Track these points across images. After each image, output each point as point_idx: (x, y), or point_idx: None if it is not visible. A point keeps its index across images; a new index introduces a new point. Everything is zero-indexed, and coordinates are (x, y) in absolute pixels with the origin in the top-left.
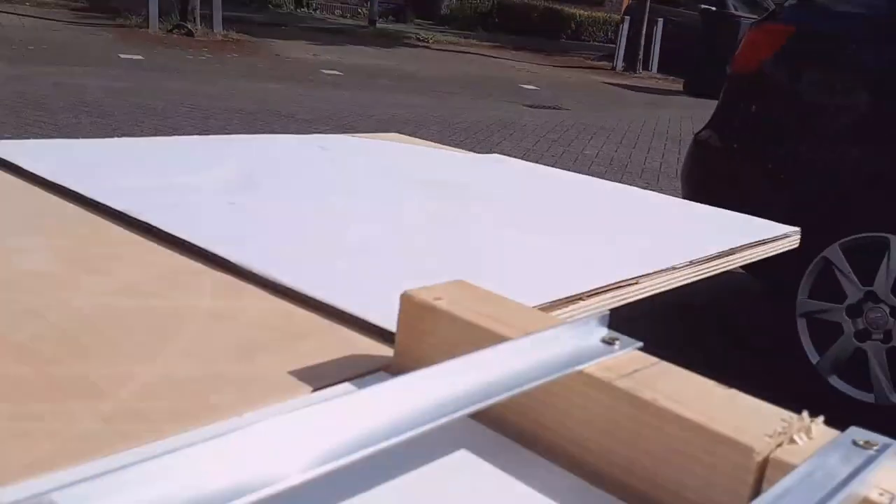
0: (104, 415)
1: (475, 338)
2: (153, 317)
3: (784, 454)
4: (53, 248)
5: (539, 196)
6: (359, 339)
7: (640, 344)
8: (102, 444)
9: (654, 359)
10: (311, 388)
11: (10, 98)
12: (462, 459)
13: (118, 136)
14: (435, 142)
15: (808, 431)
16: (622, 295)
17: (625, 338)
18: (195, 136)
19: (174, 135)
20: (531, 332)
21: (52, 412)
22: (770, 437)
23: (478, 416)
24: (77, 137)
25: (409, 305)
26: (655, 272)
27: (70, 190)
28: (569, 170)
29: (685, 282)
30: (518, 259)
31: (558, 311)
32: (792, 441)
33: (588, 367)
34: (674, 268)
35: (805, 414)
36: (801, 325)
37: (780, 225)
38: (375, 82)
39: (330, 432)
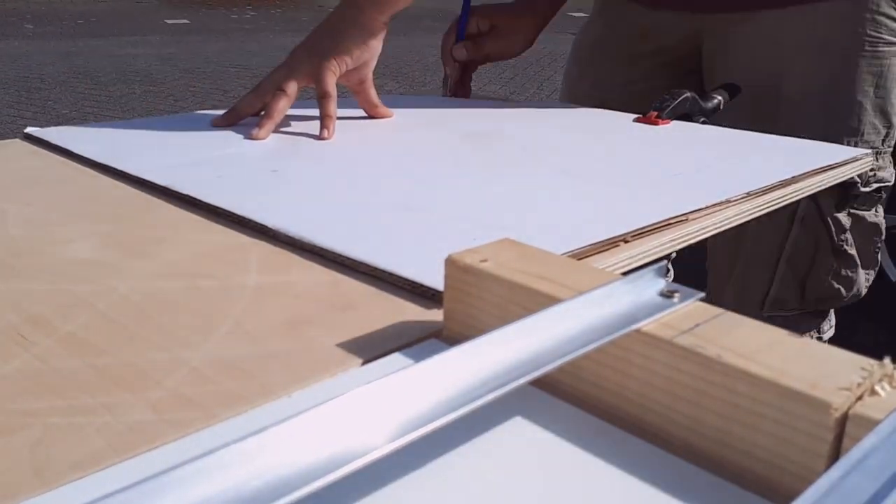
0: (154, 404)
1: (525, 299)
2: (200, 298)
3: (865, 408)
4: (99, 233)
5: (589, 138)
6: (407, 305)
7: (702, 294)
8: (153, 436)
9: (717, 310)
10: (361, 361)
11: (63, 74)
12: (518, 426)
13: (170, 102)
14: (484, 81)
15: (891, 380)
16: (675, 238)
17: (684, 289)
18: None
19: (225, 96)
20: (584, 291)
21: (102, 405)
22: (848, 389)
23: (532, 381)
24: (130, 107)
25: (454, 269)
26: (707, 207)
27: (116, 170)
28: None
29: (745, 218)
30: (564, 207)
31: (602, 258)
32: (874, 392)
33: (646, 324)
34: (728, 201)
35: (887, 360)
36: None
37: (849, 148)
38: (419, 24)
39: (393, 408)
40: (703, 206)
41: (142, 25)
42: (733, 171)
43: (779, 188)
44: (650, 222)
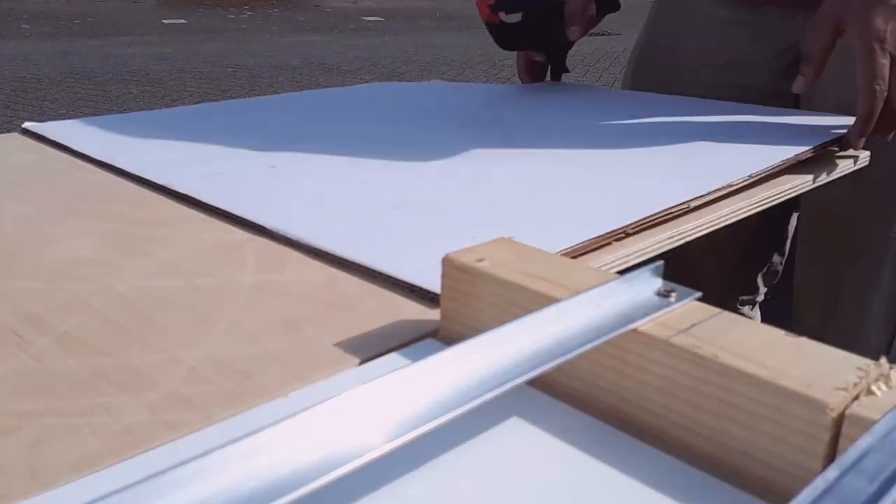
0: (151, 404)
1: (522, 299)
2: (197, 297)
3: (862, 408)
4: (96, 231)
5: (592, 122)
6: (404, 304)
7: (699, 294)
8: (150, 437)
9: (714, 309)
10: (358, 361)
11: (60, 74)
12: (515, 426)
13: (167, 102)
14: (481, 80)
15: (887, 380)
16: (673, 235)
17: (682, 288)
18: (237, 100)
19: (222, 96)
20: (580, 291)
21: (99, 405)
22: (845, 389)
23: (529, 381)
24: (127, 107)
25: (451, 269)
26: (708, 194)
27: (112, 166)
28: None
29: (747, 212)
30: (565, 199)
31: (598, 256)
32: (870, 392)
33: (642, 324)
34: (730, 185)
35: (883, 360)
36: None
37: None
38: (417, 24)
39: (390, 408)
40: (705, 192)
41: (139, 25)
42: (746, 152)
43: (783, 176)
44: (653, 212)
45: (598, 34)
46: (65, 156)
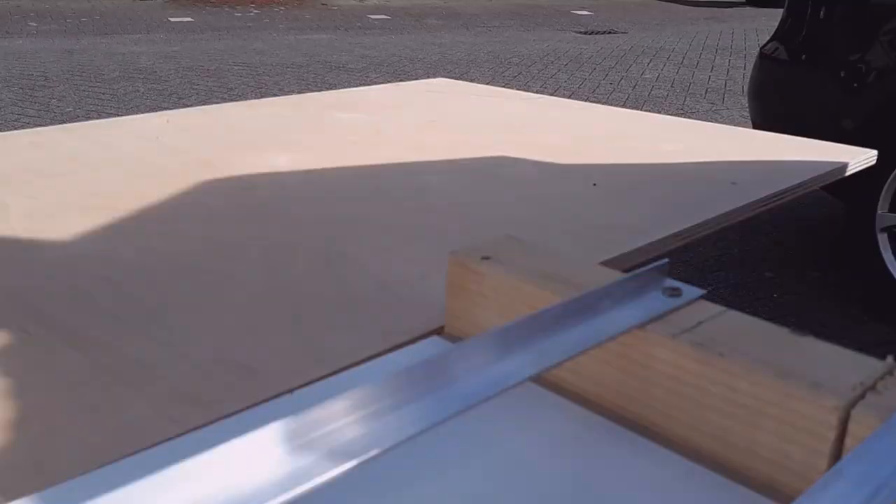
0: (155, 400)
1: (527, 296)
2: (202, 293)
3: (868, 407)
4: (102, 227)
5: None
6: (409, 302)
7: (704, 292)
8: (155, 432)
9: (719, 307)
10: (363, 357)
11: (67, 72)
12: (520, 423)
13: (174, 100)
14: (488, 80)
15: (893, 379)
16: (679, 235)
17: (687, 287)
18: (248, 102)
19: (228, 94)
20: (586, 289)
21: (104, 400)
22: (851, 389)
23: (534, 378)
24: (134, 105)
25: (457, 266)
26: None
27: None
28: (628, 96)
29: (759, 209)
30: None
31: (604, 254)
32: (876, 391)
33: (648, 322)
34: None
35: (889, 359)
36: (882, 240)
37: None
38: (423, 23)
39: (395, 404)
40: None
41: (145, 23)
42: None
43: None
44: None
45: (604, 32)
46: (70, 153)
